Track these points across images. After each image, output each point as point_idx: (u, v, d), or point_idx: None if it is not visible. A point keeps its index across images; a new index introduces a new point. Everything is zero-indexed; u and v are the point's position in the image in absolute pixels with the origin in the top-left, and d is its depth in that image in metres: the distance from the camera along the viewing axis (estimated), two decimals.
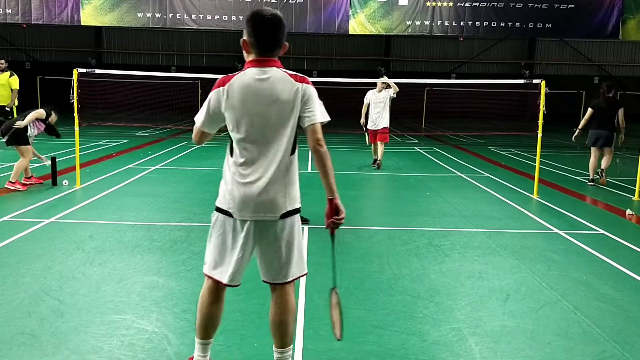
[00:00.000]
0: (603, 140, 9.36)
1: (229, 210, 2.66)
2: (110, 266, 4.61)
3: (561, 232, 6.16)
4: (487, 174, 10.35)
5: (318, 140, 2.62)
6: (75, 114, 8.02)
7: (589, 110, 9.51)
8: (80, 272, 4.46)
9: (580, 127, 9.71)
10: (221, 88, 2.60)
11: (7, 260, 4.69)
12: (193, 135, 2.81)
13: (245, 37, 2.69)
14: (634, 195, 8.27)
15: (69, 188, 7.89)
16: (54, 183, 8.06)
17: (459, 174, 10.35)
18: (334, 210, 2.68)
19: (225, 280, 2.69)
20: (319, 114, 2.66)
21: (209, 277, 2.74)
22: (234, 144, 2.64)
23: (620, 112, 9.33)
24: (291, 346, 2.86)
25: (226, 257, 2.70)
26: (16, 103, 11.83)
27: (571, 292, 4.30)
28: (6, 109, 11.56)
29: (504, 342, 3.41)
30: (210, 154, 12.25)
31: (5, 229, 5.66)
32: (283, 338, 2.80)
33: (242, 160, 2.62)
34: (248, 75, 2.60)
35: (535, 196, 8.18)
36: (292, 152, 2.67)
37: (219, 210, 2.72)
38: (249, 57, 2.70)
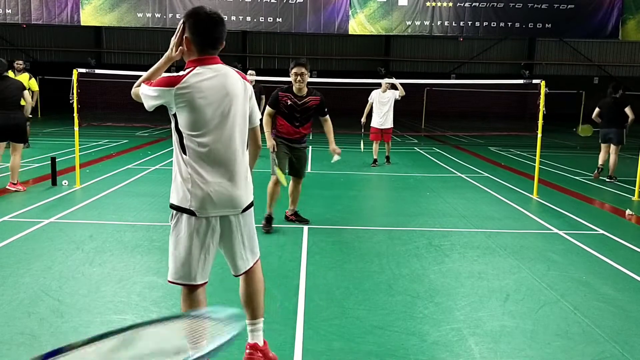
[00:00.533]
0: (612, 137, 10.07)
1: (191, 209, 2.63)
2: (110, 266, 4.61)
3: (561, 232, 6.16)
4: (486, 174, 10.36)
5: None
6: (75, 114, 8.02)
7: (597, 108, 10.45)
8: (80, 272, 4.46)
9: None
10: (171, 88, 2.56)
11: (6, 260, 4.69)
12: (133, 91, 2.82)
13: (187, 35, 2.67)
14: (634, 196, 8.27)
15: (68, 188, 7.89)
16: (54, 183, 8.06)
17: (459, 174, 10.35)
18: None
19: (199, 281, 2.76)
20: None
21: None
22: (188, 141, 2.62)
23: (627, 109, 10.00)
24: (262, 318, 2.99)
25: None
26: (33, 104, 12.03)
27: (571, 292, 4.31)
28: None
29: (504, 342, 3.41)
30: None
31: (4, 229, 5.66)
32: (256, 309, 2.94)
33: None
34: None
35: (535, 196, 8.18)
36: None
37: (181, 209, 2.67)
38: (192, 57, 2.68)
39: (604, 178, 10.03)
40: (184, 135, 2.60)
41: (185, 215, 2.62)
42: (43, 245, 5.16)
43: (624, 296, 4.25)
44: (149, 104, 2.67)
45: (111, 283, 4.22)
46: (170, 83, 2.55)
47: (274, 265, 4.78)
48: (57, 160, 8.41)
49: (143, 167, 10.06)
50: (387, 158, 11.63)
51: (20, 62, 12.14)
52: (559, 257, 5.23)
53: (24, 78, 11.99)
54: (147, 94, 2.64)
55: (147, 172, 9.63)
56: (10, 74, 11.90)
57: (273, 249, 5.23)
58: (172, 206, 2.65)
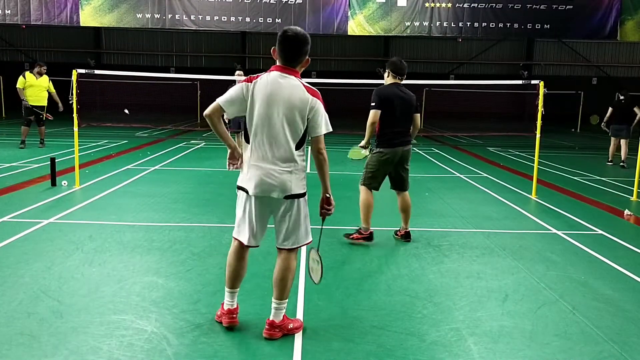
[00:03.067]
0: (624, 132, 12.27)
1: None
2: (109, 267, 4.62)
3: (560, 233, 6.17)
4: (485, 175, 10.37)
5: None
6: (75, 115, 8.02)
7: (610, 109, 12.45)
8: (80, 272, 4.46)
9: (605, 120, 12.73)
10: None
11: (6, 260, 4.69)
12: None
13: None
14: (632, 196, 8.29)
15: (68, 188, 7.89)
16: (53, 184, 8.06)
17: (458, 175, 10.36)
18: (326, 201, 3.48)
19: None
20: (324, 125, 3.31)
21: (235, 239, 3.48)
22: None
23: (636, 108, 12.22)
24: (287, 300, 3.44)
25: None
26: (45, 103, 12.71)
27: (569, 292, 4.31)
28: (47, 116, 12.60)
29: (503, 343, 3.42)
30: (209, 154, 12.26)
31: (4, 229, 5.66)
32: (282, 292, 3.40)
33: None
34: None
35: (533, 196, 8.20)
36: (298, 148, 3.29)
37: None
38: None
39: (616, 165, 12.15)
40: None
41: (241, 192, 3.37)
42: (42, 245, 5.16)
43: (622, 296, 4.26)
44: None
45: (111, 283, 4.23)
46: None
47: (274, 265, 4.76)
48: (56, 160, 8.41)
49: (142, 168, 10.06)
50: None
51: (43, 65, 12.64)
52: (557, 257, 5.24)
53: (45, 80, 12.40)
54: None
55: (147, 172, 9.63)
56: (29, 76, 12.21)
57: (272, 249, 5.22)
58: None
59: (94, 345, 3.22)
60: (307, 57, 3.33)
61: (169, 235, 5.62)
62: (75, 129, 8.18)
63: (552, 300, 4.13)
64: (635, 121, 12.22)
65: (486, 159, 13.00)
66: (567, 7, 20.88)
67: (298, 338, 3.40)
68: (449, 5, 20.72)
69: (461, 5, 20.77)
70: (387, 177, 5.67)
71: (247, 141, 3.28)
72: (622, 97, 12.23)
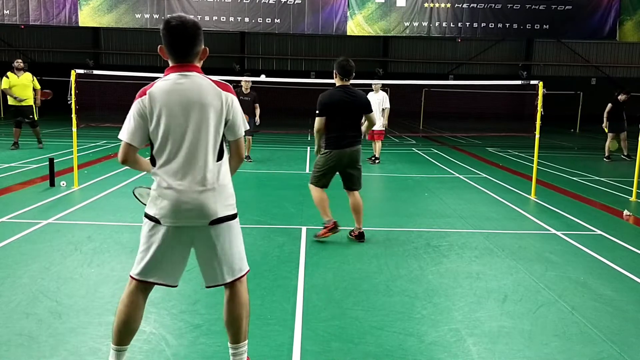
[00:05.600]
0: (625, 127, 13.36)
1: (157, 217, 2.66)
2: (108, 267, 4.61)
3: (559, 233, 6.17)
4: (484, 175, 10.37)
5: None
6: (73, 115, 8.01)
7: (609, 105, 13.38)
8: (78, 273, 4.45)
9: (605, 119, 13.41)
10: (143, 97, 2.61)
11: (4, 261, 4.68)
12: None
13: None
14: (631, 196, 8.29)
15: (66, 189, 7.88)
16: (52, 184, 8.05)
17: (457, 175, 10.36)
18: None
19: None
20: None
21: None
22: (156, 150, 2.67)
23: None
24: (246, 342, 2.84)
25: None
26: (39, 103, 12.62)
27: (569, 292, 4.31)
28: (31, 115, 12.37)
29: (502, 343, 3.41)
30: None
31: (3, 230, 5.65)
32: (238, 334, 2.79)
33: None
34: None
35: (532, 197, 8.20)
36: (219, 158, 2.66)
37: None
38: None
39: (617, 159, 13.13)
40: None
41: (149, 221, 2.72)
42: (41, 246, 5.15)
43: (621, 296, 4.27)
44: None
45: (109, 284, 4.22)
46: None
47: (273, 265, 4.78)
48: (55, 161, 8.40)
49: None
50: (373, 157, 11.89)
51: (20, 60, 12.28)
52: (556, 257, 5.24)
53: (28, 77, 12.17)
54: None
55: (146, 172, 9.61)
56: (11, 75, 12.01)
57: (272, 250, 5.24)
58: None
59: (93, 346, 3.21)
60: (203, 46, 2.73)
61: None
62: (74, 129, 8.16)
63: (551, 301, 4.13)
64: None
65: (485, 160, 13.00)
66: (566, 7, 20.88)
67: (297, 338, 3.39)
68: (448, 5, 20.71)
69: (460, 6, 20.77)
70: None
71: (153, 164, 2.71)
72: (623, 97, 13.34)
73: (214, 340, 3.33)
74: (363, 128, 5.78)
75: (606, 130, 13.40)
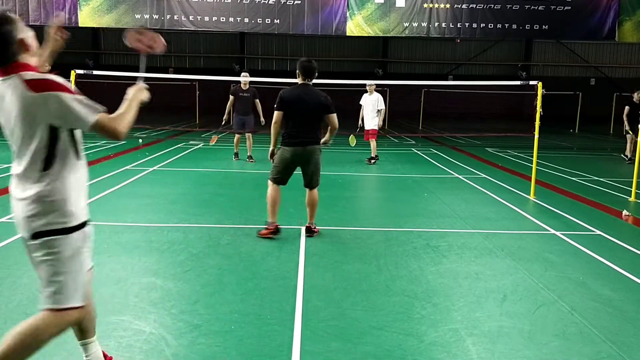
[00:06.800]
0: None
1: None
2: (107, 267, 4.61)
3: (558, 233, 6.18)
4: (484, 175, 10.38)
5: None
6: None
7: (627, 107, 13.27)
8: None
9: (626, 122, 13.20)
10: None
11: (4, 261, 4.68)
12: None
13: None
14: (630, 197, 8.30)
15: None
16: None
17: (456, 175, 10.37)
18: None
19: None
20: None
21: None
22: None
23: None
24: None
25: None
26: None
27: (568, 292, 4.32)
28: None
29: (501, 343, 3.42)
30: (208, 155, 12.25)
31: (2, 230, 5.65)
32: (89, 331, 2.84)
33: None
34: None
35: (532, 197, 8.20)
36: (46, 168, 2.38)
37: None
38: None
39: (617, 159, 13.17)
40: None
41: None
42: None
43: (620, 297, 4.27)
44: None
45: (109, 284, 4.22)
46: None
47: (272, 265, 4.78)
48: None
49: (141, 169, 10.05)
50: (372, 158, 11.82)
51: None
52: (556, 257, 5.25)
53: None
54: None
55: (145, 173, 9.62)
56: None
57: (271, 250, 5.24)
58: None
59: None
60: (19, 37, 2.36)
61: (168, 236, 5.61)
62: None
63: (551, 301, 4.13)
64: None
65: (484, 160, 13.01)
66: (565, 7, 20.91)
67: (297, 338, 3.40)
68: (448, 6, 20.75)
69: (459, 6, 20.80)
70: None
71: None
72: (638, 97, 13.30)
73: (213, 341, 3.33)
74: (327, 136, 5.83)
75: (630, 132, 12.90)
